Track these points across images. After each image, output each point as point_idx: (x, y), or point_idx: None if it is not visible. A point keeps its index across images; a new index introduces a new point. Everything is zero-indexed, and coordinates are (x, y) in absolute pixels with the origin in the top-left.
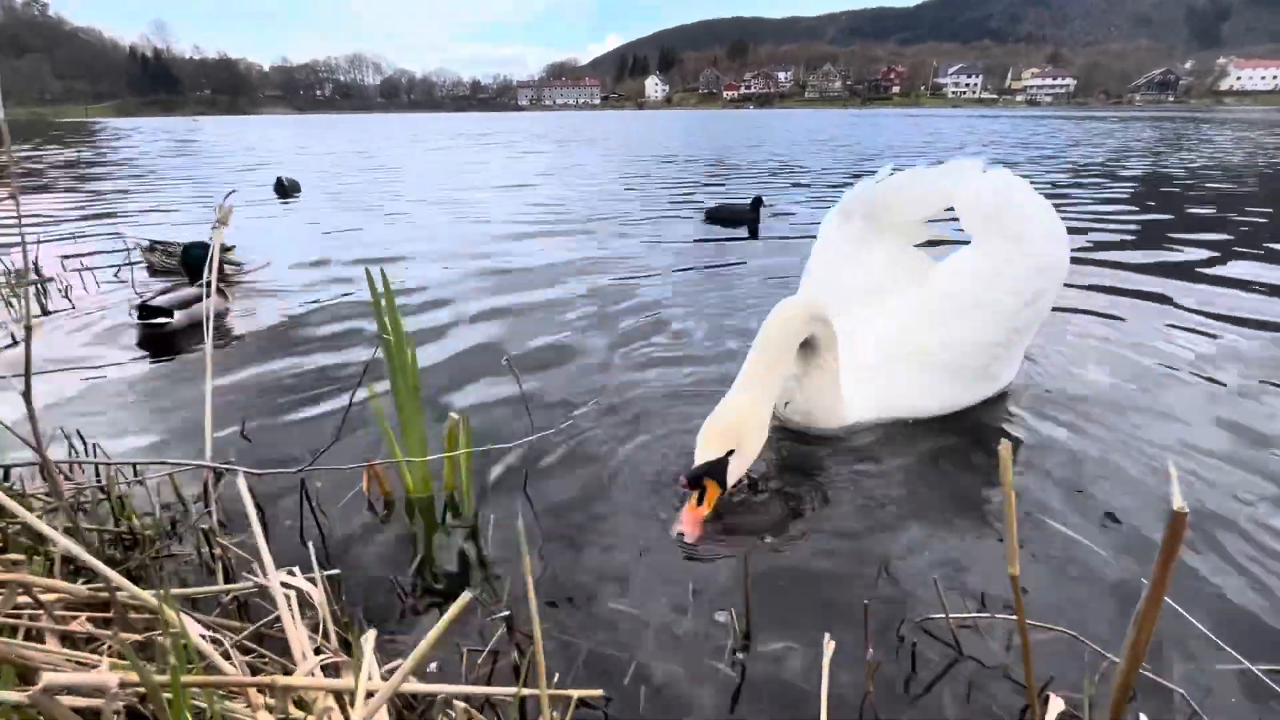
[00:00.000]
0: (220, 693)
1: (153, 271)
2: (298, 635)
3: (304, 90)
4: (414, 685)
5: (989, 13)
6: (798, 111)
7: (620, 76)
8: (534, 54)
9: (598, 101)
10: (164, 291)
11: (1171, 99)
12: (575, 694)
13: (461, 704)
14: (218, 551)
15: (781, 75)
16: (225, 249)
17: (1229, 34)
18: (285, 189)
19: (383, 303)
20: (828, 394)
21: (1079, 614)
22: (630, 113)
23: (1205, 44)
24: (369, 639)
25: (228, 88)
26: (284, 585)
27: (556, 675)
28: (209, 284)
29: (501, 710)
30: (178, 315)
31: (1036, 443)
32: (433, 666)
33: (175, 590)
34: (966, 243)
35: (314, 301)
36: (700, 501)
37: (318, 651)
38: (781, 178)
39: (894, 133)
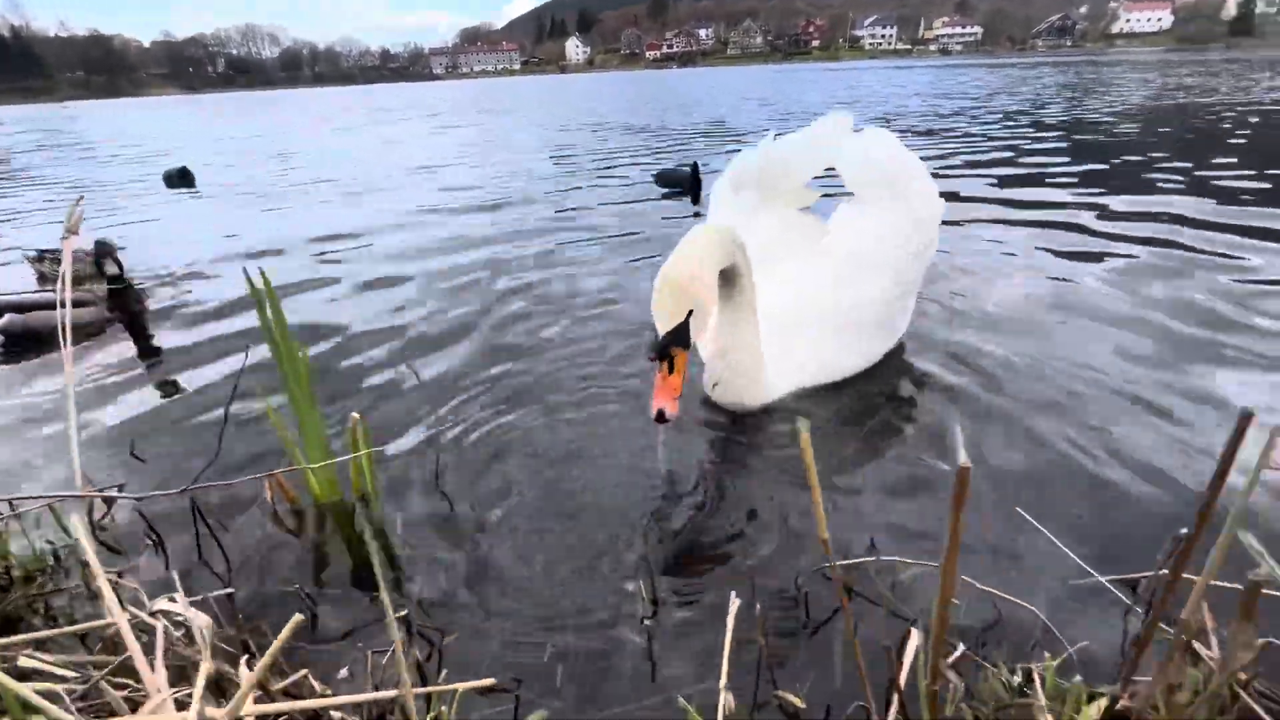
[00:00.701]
0: None
1: (43, 281)
2: (151, 674)
3: (193, 67)
4: (257, 708)
5: None
6: (721, 70)
7: (539, 39)
8: (445, 20)
9: (517, 66)
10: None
11: (1070, 43)
12: (459, 688)
13: (337, 715)
14: (98, 585)
15: (703, 33)
16: (106, 273)
17: None
18: (176, 181)
19: (267, 307)
20: (752, 368)
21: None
22: (552, 77)
23: None
24: (204, 670)
25: (103, 67)
26: (162, 613)
27: (444, 672)
28: (62, 293)
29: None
30: (7, 318)
31: (928, 387)
32: (344, 671)
33: (20, 637)
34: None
35: (208, 304)
36: (671, 370)
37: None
38: (718, 140)
39: (822, 88)
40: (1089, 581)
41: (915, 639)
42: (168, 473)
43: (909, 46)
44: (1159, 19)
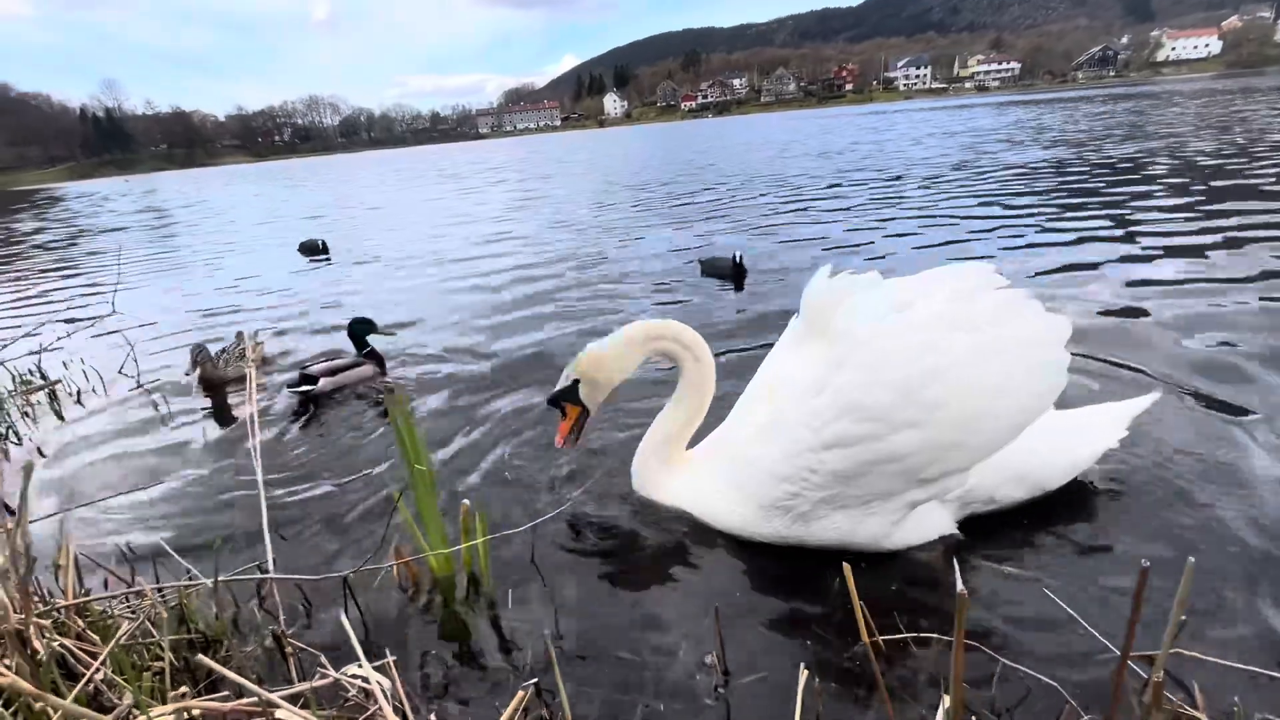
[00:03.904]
0: None
1: (207, 384)
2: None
3: (262, 137)
4: None
5: (929, 5)
6: (758, 117)
7: (579, 96)
8: (491, 81)
9: (559, 123)
10: (320, 359)
11: (1112, 74)
12: None
13: None
14: (289, 650)
15: (736, 82)
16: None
17: (1160, 6)
18: (311, 250)
19: (402, 430)
20: (651, 454)
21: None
22: (593, 131)
23: (1139, 19)
24: None
25: (183, 140)
26: (356, 676)
27: None
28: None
29: None
30: (322, 382)
31: None
32: None
33: (284, 691)
34: None
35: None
36: (564, 416)
37: None
38: (774, 213)
39: (897, 130)
40: (1111, 657)
41: (946, 702)
42: (301, 546)
43: (944, 85)
44: (1206, 45)
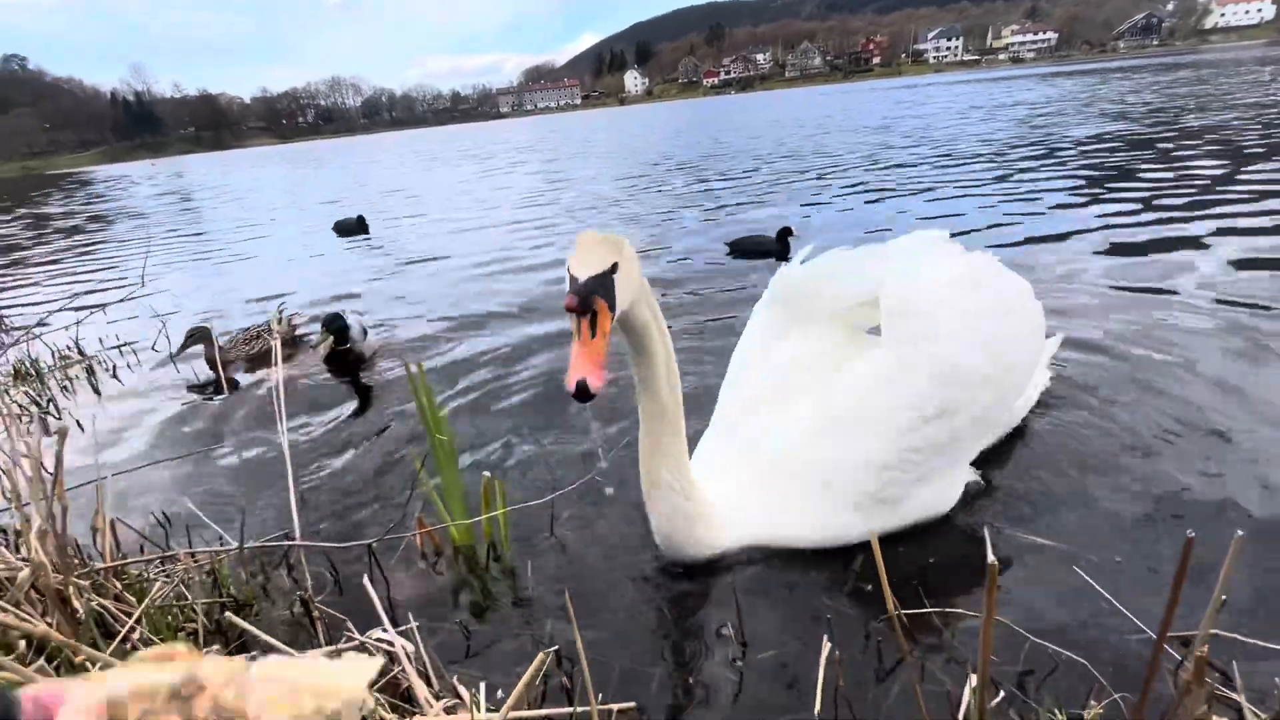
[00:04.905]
0: None
1: (212, 364)
2: (419, 684)
3: (286, 119)
4: (518, 713)
5: None
6: (783, 93)
7: (599, 73)
8: (510, 60)
9: (579, 101)
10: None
11: (1156, 42)
12: (615, 708)
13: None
14: (316, 614)
15: (760, 57)
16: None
17: None
18: (354, 229)
19: (424, 402)
20: (683, 498)
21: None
22: (614, 110)
23: None
24: (481, 687)
25: (210, 123)
26: (381, 640)
27: (601, 695)
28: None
29: None
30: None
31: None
32: (499, 693)
33: (319, 650)
34: None
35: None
36: (594, 332)
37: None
38: (809, 185)
39: (921, 108)
40: (1144, 638)
41: (972, 680)
42: (324, 518)
43: (977, 57)
44: (1259, 10)
